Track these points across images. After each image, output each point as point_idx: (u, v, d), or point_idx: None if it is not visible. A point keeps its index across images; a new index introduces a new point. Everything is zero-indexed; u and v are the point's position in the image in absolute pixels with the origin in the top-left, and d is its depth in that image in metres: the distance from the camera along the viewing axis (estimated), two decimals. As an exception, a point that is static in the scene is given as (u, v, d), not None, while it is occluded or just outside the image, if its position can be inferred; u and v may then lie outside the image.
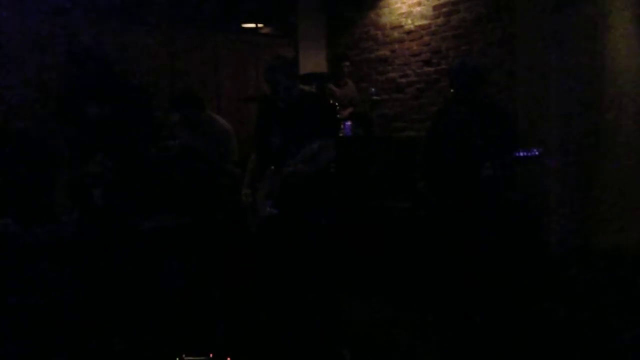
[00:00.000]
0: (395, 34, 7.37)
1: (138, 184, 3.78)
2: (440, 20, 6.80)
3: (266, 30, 8.16)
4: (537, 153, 3.78)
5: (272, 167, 3.68)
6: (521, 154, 3.80)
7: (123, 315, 3.87)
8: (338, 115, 6.37)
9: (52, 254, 4.18)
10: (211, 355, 3.43)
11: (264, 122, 3.94)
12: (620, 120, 6.19)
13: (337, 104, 6.50)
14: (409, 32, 7.19)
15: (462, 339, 3.94)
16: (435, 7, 6.84)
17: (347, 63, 7.17)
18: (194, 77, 6.93)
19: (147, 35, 6.65)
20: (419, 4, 7.03)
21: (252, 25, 7.88)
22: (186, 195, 4.99)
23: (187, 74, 6.89)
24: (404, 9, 7.22)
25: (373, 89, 7.05)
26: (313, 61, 7.80)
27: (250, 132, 4.14)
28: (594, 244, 5.75)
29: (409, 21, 7.17)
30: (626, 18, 6.25)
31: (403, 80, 7.29)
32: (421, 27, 7.02)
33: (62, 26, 5.86)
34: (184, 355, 3.43)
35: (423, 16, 6.99)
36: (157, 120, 4.26)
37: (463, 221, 4.05)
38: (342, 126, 6.38)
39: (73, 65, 3.65)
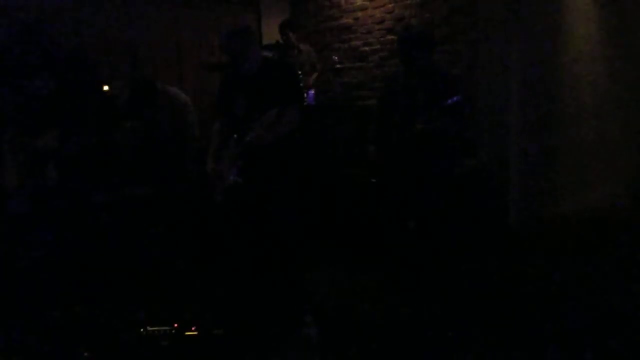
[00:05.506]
0: (359, 1, 7.31)
1: (94, 158, 3.73)
2: (403, -12, 6.77)
3: (228, -2, 8.03)
4: (456, 99, 3.88)
5: (235, 136, 3.65)
6: (447, 102, 3.89)
7: (87, 287, 3.84)
8: (301, 84, 6.32)
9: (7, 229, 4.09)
10: (176, 326, 3.44)
11: (227, 90, 3.90)
12: (576, 89, 6.30)
13: (300, 71, 6.44)
14: (371, 0, 7.15)
15: (422, 306, 4.00)
16: (398, -26, 6.81)
17: (288, 32, 6.82)
18: (154, 47, 6.80)
19: (105, 5, 6.48)
20: (382, -30, 6.99)
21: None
22: (147, 168, 4.92)
23: (147, 43, 6.76)
24: (367, -25, 7.17)
25: (336, 57, 7.00)
26: (276, 30, 7.71)
27: (213, 100, 4.09)
28: (552, 212, 5.87)
29: (372, -12, 7.13)
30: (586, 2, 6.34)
31: (366, 48, 7.26)
32: (384, -6, 6.98)
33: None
34: (148, 327, 3.43)
35: (386, -17, 6.95)
36: (108, 95, 4.19)
37: (411, 186, 4.11)
38: (305, 95, 6.34)
39: (15, 41, 3.58)
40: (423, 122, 3.94)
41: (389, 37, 6.95)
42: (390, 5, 6.92)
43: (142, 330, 3.43)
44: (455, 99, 3.85)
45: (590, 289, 4.22)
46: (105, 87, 4.15)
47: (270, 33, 7.56)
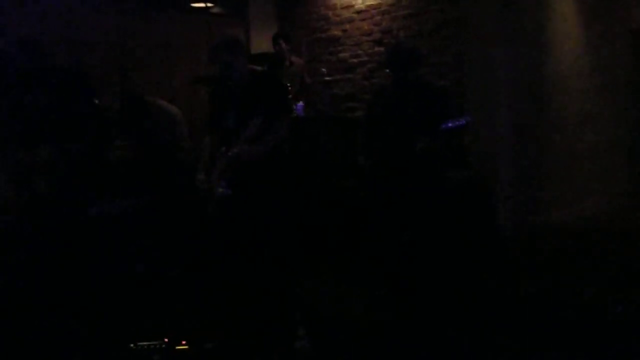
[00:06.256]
0: (346, 13, 7.36)
1: (85, 171, 3.72)
2: (390, 0, 6.81)
3: (216, 9, 8.04)
4: (464, 122, 3.91)
5: (224, 148, 3.65)
6: (449, 124, 3.91)
7: (78, 301, 3.82)
8: (290, 96, 6.32)
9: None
10: (166, 340, 3.41)
11: (216, 103, 3.91)
12: (565, 100, 6.36)
13: (289, 85, 6.45)
14: (359, 12, 7.19)
15: (415, 316, 4.01)
16: (385, -13, 6.86)
17: (282, 42, 6.84)
18: (143, 59, 6.79)
19: (96, 16, 6.48)
20: (369, -17, 7.05)
21: (202, 4, 7.75)
22: (138, 181, 4.91)
23: (136, 55, 6.76)
24: (354, -12, 7.22)
25: (324, 69, 7.03)
26: (264, 41, 7.73)
27: (204, 113, 4.10)
28: (543, 221, 5.91)
29: (360, 1, 7.18)
30: (571, 2, 6.41)
31: (354, 60, 7.30)
32: (372, 6, 7.03)
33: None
34: (138, 341, 3.41)
35: (373, -5, 7.00)
36: (101, 108, 4.19)
37: (403, 198, 4.13)
38: (294, 107, 6.35)
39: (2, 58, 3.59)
40: (425, 142, 3.97)
41: (377, 49, 6.99)
42: (378, 18, 6.97)
43: (132, 345, 3.40)
44: (463, 122, 3.89)
45: (582, 296, 4.24)
46: (96, 101, 4.14)
47: (258, 45, 7.59)
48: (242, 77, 3.72)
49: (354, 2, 7.24)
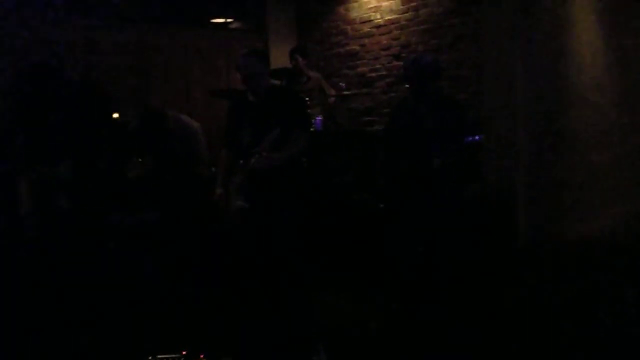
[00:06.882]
0: (365, 28, 7.39)
1: (104, 185, 3.77)
2: (409, 15, 6.84)
3: (236, 25, 8.13)
4: (477, 139, 3.89)
5: (242, 161, 3.67)
6: (468, 139, 3.90)
7: (95, 313, 3.84)
8: (308, 110, 6.35)
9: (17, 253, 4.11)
10: (184, 353, 3.42)
11: (234, 117, 3.94)
12: (583, 112, 6.30)
13: (307, 99, 6.47)
14: (378, 27, 7.22)
15: (429, 327, 3.98)
16: (403, 1, 6.88)
17: (298, 57, 6.87)
18: (163, 74, 6.87)
19: (116, 32, 6.58)
20: (388, -2, 7.08)
21: (222, 20, 7.84)
22: (158, 194, 4.95)
23: (156, 70, 6.84)
24: (373, 3, 7.24)
25: (343, 84, 7.05)
26: (283, 56, 7.79)
27: (222, 127, 4.12)
28: (560, 235, 5.84)
29: (378, 15, 7.20)
30: (589, 13, 6.36)
31: (373, 74, 7.32)
32: (390, 21, 7.06)
33: (26, 21, 5.75)
34: (157, 354, 3.42)
35: (392, 10, 7.02)
36: (120, 123, 4.26)
37: (420, 211, 4.12)
38: (313, 121, 6.36)
39: (20, 81, 3.67)
40: (440, 157, 3.96)
41: (395, 63, 7.00)
42: (396, 32, 6.99)
43: (150, 357, 3.41)
44: (477, 138, 3.88)
45: (599, 311, 4.19)
46: (115, 115, 4.20)
47: (277, 60, 7.63)
48: (262, 90, 3.75)
49: (372, 17, 7.28)
